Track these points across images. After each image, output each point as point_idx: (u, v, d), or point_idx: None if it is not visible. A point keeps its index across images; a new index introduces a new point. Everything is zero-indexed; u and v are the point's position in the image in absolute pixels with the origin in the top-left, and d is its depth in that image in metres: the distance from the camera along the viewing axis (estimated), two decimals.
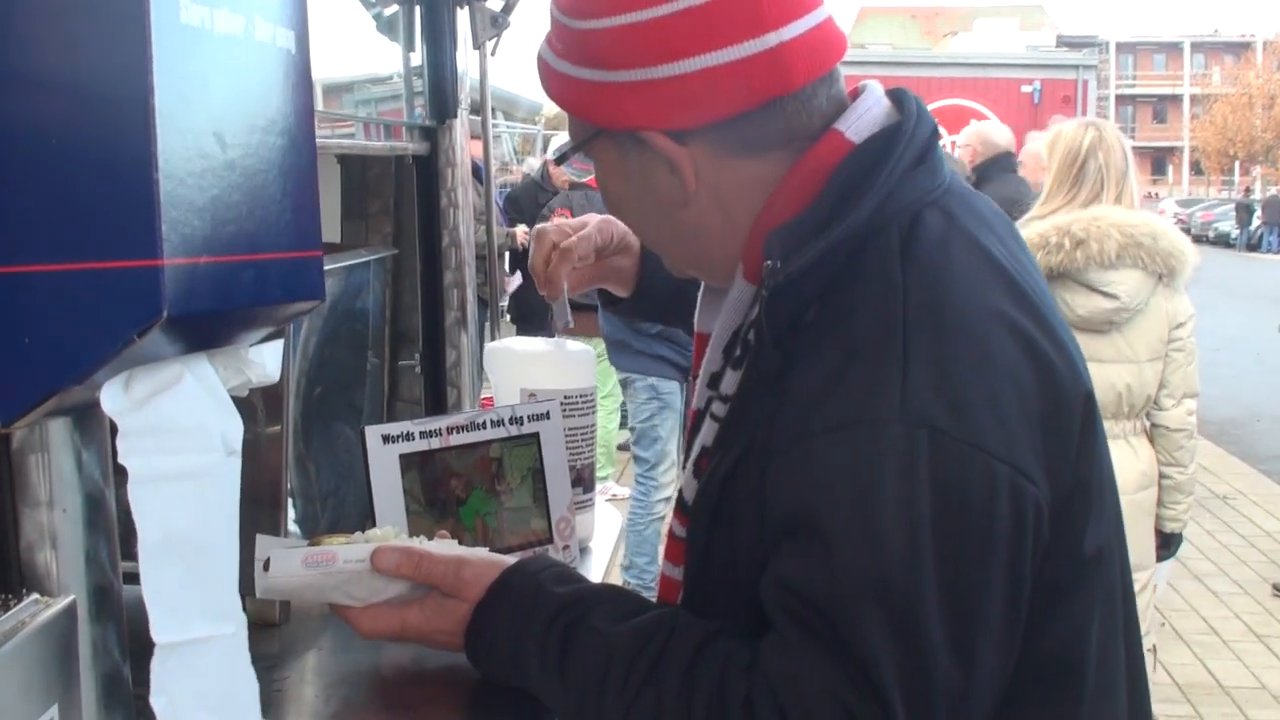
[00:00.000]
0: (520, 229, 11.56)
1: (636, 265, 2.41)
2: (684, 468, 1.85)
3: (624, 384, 8.07)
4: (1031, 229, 5.07)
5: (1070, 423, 1.65)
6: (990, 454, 1.53)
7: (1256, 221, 58.26)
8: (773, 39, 1.65)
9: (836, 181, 1.69)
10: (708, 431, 1.79)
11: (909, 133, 1.72)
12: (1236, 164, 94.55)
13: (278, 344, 1.58)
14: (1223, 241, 59.17)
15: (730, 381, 1.76)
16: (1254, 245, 57.25)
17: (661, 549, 1.86)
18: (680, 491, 1.83)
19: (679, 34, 1.65)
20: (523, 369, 2.64)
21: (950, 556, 1.51)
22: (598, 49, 1.70)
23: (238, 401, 1.50)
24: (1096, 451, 1.70)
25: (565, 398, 2.50)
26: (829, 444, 1.54)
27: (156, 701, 1.37)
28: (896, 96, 1.81)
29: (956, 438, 1.52)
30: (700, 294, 2.02)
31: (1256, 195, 68.87)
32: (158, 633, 1.36)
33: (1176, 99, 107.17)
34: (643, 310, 2.49)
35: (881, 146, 1.70)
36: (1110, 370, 5.10)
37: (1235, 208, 61.86)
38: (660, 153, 1.72)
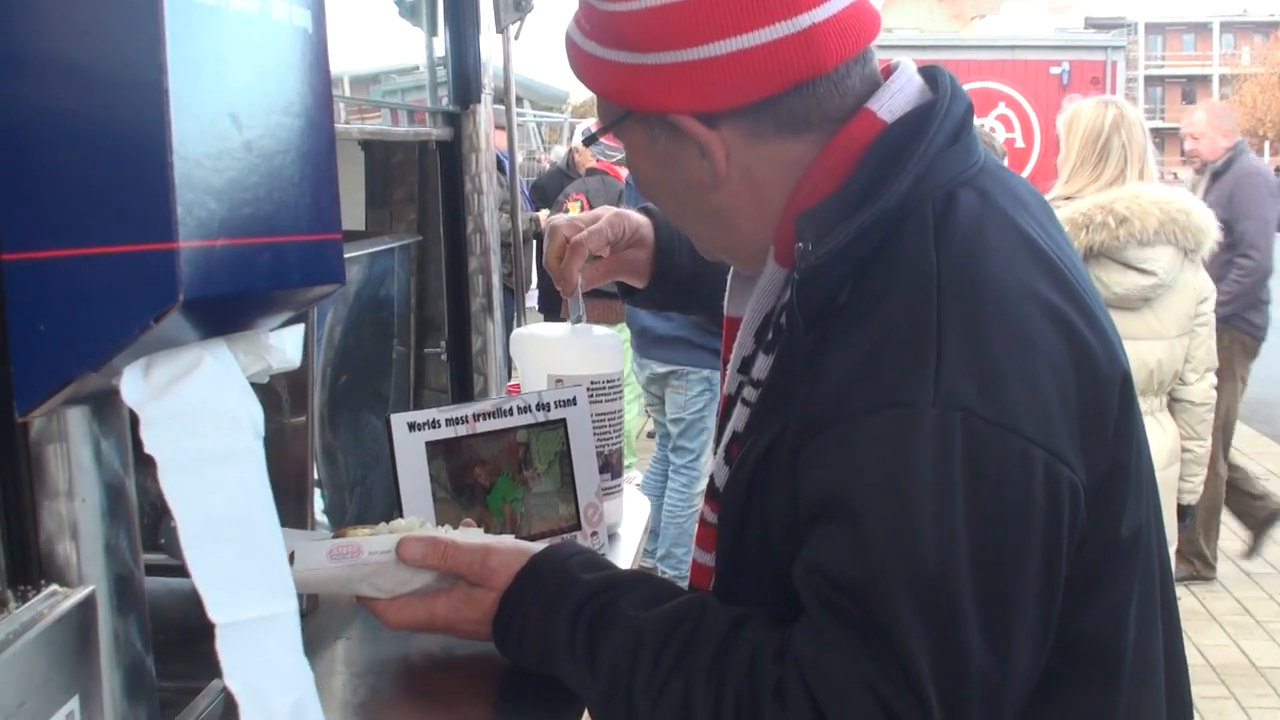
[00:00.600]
0: (544, 214, 11.57)
1: (651, 257, 2.41)
2: (715, 453, 1.84)
3: (672, 376, 8.02)
4: (1072, 208, 5.10)
5: (1107, 405, 1.62)
6: (1026, 438, 1.50)
7: None
8: (805, 20, 1.64)
9: (869, 161, 1.67)
10: (739, 417, 1.78)
11: (943, 110, 1.71)
12: (1266, 144, 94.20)
13: (299, 329, 1.56)
14: None
15: (762, 366, 1.75)
16: None
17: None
18: (712, 477, 1.82)
19: (710, 16, 1.63)
20: (549, 355, 2.62)
21: (985, 542, 1.49)
22: (628, 31, 1.68)
23: (263, 392, 1.49)
24: (1133, 433, 1.68)
25: (592, 383, 2.49)
26: (862, 428, 1.53)
27: (232, 683, 1.35)
28: (930, 74, 1.79)
29: (991, 421, 1.49)
30: (730, 278, 2.01)
31: None
32: (216, 613, 1.33)
33: (1206, 79, 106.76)
34: (658, 300, 2.49)
35: (915, 125, 1.69)
36: (1143, 347, 5.16)
37: None
38: (691, 136, 1.70)
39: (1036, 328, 1.58)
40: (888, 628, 1.48)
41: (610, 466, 2.55)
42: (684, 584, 1.90)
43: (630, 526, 2.72)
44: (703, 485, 7.86)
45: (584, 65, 1.78)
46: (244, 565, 1.38)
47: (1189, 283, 5.27)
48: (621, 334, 10.71)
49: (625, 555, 2.55)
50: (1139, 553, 1.69)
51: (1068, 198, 5.24)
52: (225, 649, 1.34)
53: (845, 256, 1.62)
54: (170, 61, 1.24)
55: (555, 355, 2.62)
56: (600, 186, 10.26)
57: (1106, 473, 1.61)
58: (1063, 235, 1.84)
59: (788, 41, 1.64)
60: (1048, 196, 5.18)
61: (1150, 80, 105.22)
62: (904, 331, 1.56)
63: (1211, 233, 5.23)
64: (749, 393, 1.77)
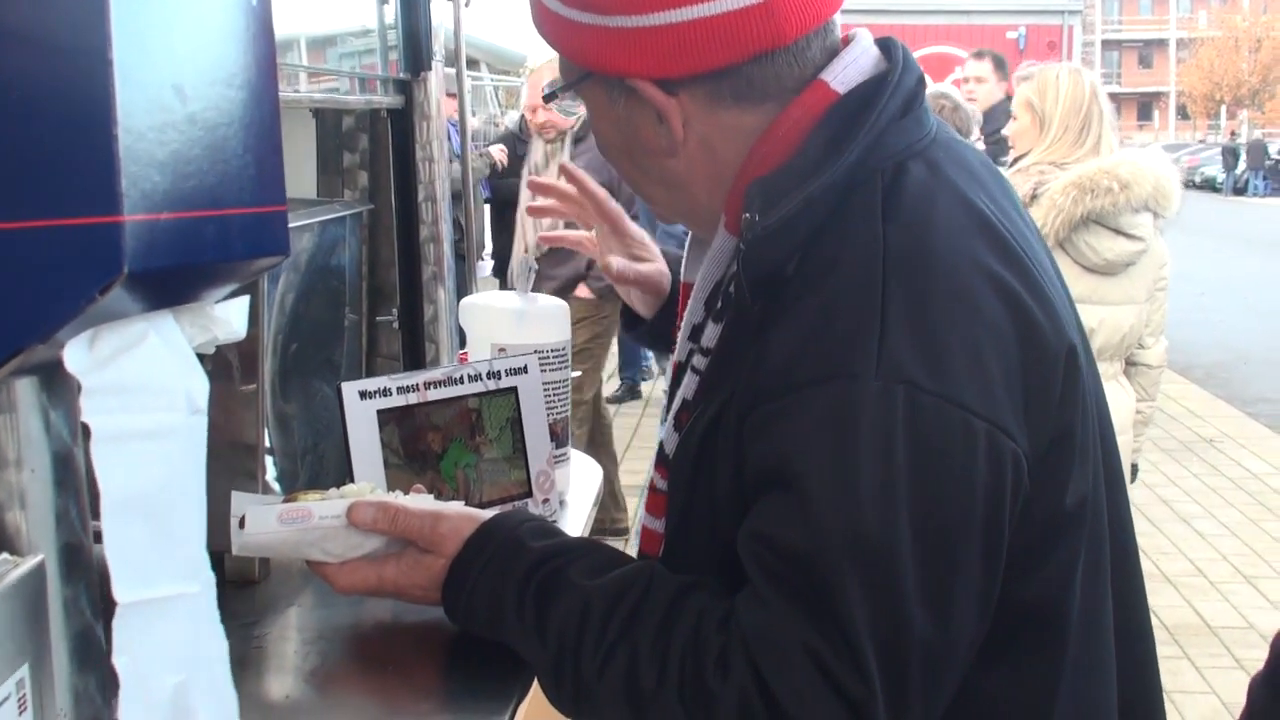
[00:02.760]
0: (497, 148, 11.55)
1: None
2: (664, 420, 1.85)
3: None
4: (1077, 171, 5.18)
5: (1052, 378, 1.63)
6: (968, 409, 1.52)
7: (1242, 165, 58.36)
8: (732, 4, 1.64)
9: (820, 133, 1.67)
10: (689, 384, 1.79)
11: (894, 82, 1.71)
12: (1223, 108, 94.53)
13: (244, 300, 1.57)
14: (1209, 186, 59.28)
15: (711, 334, 1.77)
16: (1240, 189, 57.34)
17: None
18: (661, 444, 1.83)
19: None
20: (495, 324, 2.63)
21: (927, 512, 1.51)
22: None
23: (214, 359, 1.50)
24: (1079, 404, 1.69)
25: (536, 351, 2.49)
26: (807, 398, 1.54)
27: (118, 661, 1.35)
28: (884, 45, 1.80)
29: (934, 393, 1.51)
30: (687, 245, 2.01)
31: (1242, 139, 68.89)
32: (120, 591, 1.35)
33: (1163, 44, 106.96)
34: (657, 333, 2.45)
35: (865, 96, 1.69)
36: (1119, 312, 5.29)
37: (1221, 152, 61.91)
38: (649, 101, 1.71)
39: (981, 300, 1.59)
40: (830, 596, 1.50)
41: (556, 435, 2.56)
42: None
43: (580, 495, 2.74)
44: None
45: (547, 22, 1.77)
46: (155, 544, 1.39)
47: (1156, 248, 5.37)
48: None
49: (575, 523, 2.57)
50: (1085, 520, 1.70)
51: (1054, 164, 5.31)
52: (119, 627, 1.36)
53: (792, 227, 1.62)
54: (115, 33, 1.25)
55: (501, 324, 2.63)
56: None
57: (1050, 443, 1.62)
58: (1015, 207, 1.85)
59: (749, 12, 1.64)
60: (1027, 162, 5.28)
61: (1107, 44, 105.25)
62: (849, 302, 1.56)
63: (1177, 199, 5.33)
64: (698, 360, 1.78)
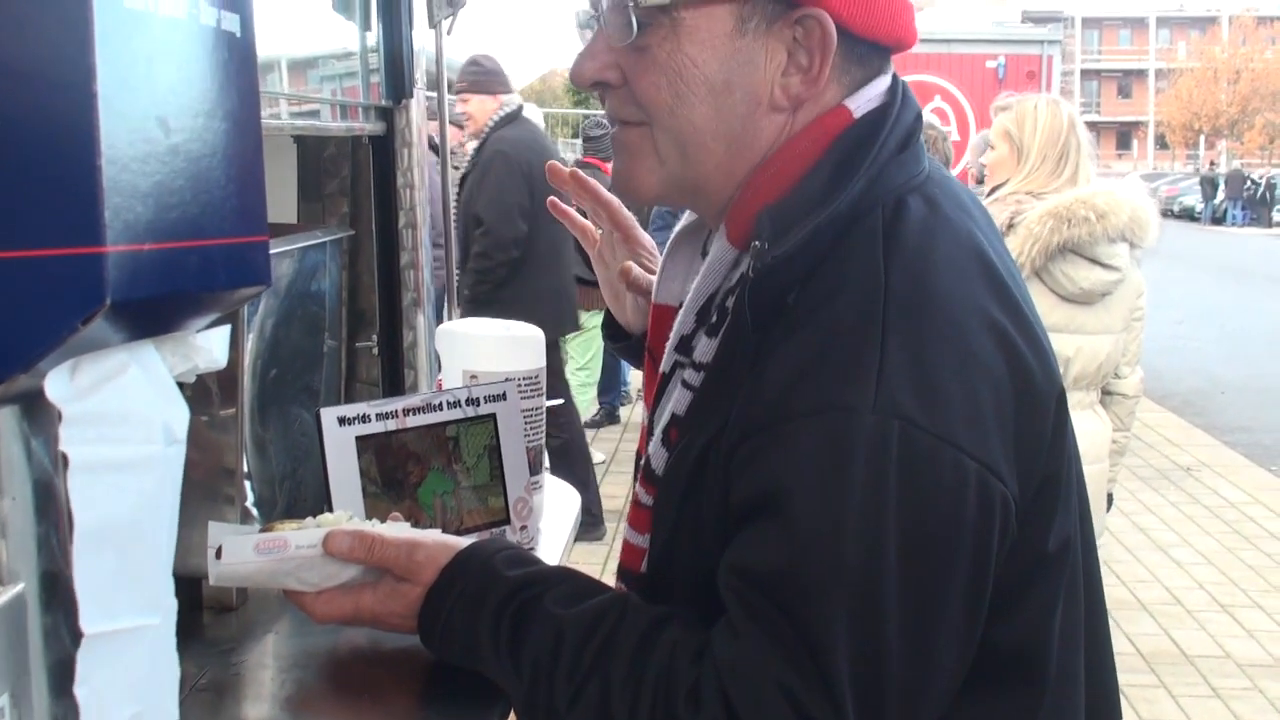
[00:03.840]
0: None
1: None
2: (650, 432, 1.85)
3: None
4: (1054, 201, 5.22)
5: (1043, 422, 1.64)
6: (961, 449, 1.52)
7: (1221, 195, 58.63)
8: None
9: (829, 158, 1.69)
10: (679, 399, 1.77)
11: (894, 116, 1.72)
12: (1201, 138, 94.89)
13: (225, 329, 1.57)
14: (1187, 215, 59.55)
15: (705, 349, 1.75)
16: (1218, 219, 57.58)
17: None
18: (648, 458, 1.81)
19: None
20: (470, 351, 2.64)
21: (913, 551, 1.50)
22: None
23: (195, 384, 1.50)
24: (1065, 447, 1.70)
25: (508, 379, 2.49)
26: (800, 428, 1.53)
27: (80, 692, 1.36)
28: (890, 77, 1.80)
29: (928, 430, 1.51)
30: (660, 266, 2.00)
31: (1221, 169, 69.19)
32: (86, 623, 1.35)
33: (1141, 74, 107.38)
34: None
35: (869, 128, 1.70)
36: (1096, 341, 5.31)
37: (1200, 181, 62.19)
38: (816, 41, 1.67)
39: (979, 342, 1.59)
40: (808, 632, 1.49)
41: (531, 463, 2.57)
42: None
43: (557, 521, 2.74)
44: None
45: None
46: (122, 575, 1.39)
47: (1133, 278, 5.40)
48: (594, 320, 10.83)
49: (551, 550, 2.57)
50: (1066, 563, 1.71)
51: (1031, 194, 5.34)
52: (83, 658, 1.36)
53: (798, 258, 1.62)
54: (100, 66, 1.26)
55: (475, 352, 2.64)
56: None
57: (1038, 488, 1.63)
58: (1003, 245, 1.86)
59: (905, 5, 1.71)
60: (1004, 191, 5.32)
61: (1086, 74, 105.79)
62: (849, 336, 1.56)
63: (1155, 230, 5.37)
64: (690, 375, 1.76)
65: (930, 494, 1.51)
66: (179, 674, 1.54)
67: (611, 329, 2.41)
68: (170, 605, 1.49)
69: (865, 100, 1.73)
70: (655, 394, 1.86)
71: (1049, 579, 1.68)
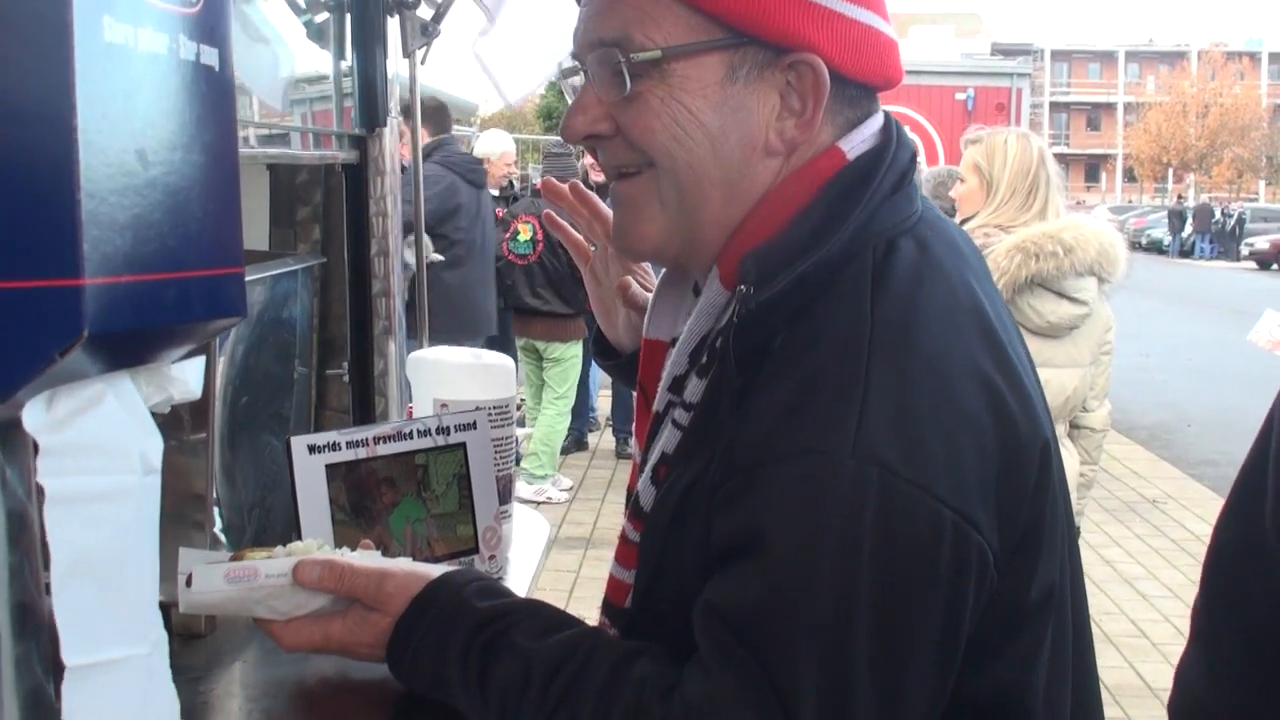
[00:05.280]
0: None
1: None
2: (641, 469, 1.84)
3: None
4: (1021, 235, 5.25)
5: (1026, 473, 1.63)
6: (938, 499, 1.51)
7: (1189, 229, 58.92)
8: (893, 33, 1.72)
9: (820, 202, 1.69)
10: (669, 438, 1.77)
11: (888, 158, 1.72)
12: (1170, 171, 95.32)
13: (200, 360, 1.58)
14: (1155, 248, 59.78)
15: (694, 389, 1.74)
16: (1186, 252, 57.87)
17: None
18: (636, 495, 1.81)
19: None
20: (440, 379, 2.65)
21: (885, 597, 1.50)
22: None
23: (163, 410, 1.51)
24: (1050, 497, 1.69)
25: (478, 408, 2.51)
26: (780, 471, 1.53)
27: None
28: (883, 116, 1.81)
29: (906, 479, 1.50)
30: (652, 301, 2.01)
31: (1190, 203, 69.55)
32: (68, 655, 1.36)
33: (1110, 107, 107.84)
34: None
35: (863, 171, 1.71)
36: (1063, 374, 5.34)
37: (1168, 215, 62.46)
38: (808, 86, 1.69)
39: (963, 391, 1.59)
40: (776, 674, 1.49)
41: (500, 491, 2.57)
42: None
43: (526, 550, 2.75)
44: None
45: None
46: (103, 607, 1.39)
47: (1102, 312, 5.44)
48: (572, 350, 10.82)
49: (519, 579, 2.57)
50: (1050, 611, 1.70)
51: (1000, 227, 5.37)
52: (68, 691, 1.36)
53: (783, 302, 1.62)
54: (80, 100, 1.27)
55: (447, 380, 2.64)
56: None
57: (1020, 538, 1.62)
58: (993, 286, 1.85)
59: (892, 44, 1.73)
60: (973, 224, 5.35)
61: (1056, 107, 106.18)
62: (831, 381, 1.56)
63: (1124, 264, 5.41)
64: (680, 415, 1.76)
65: (905, 542, 1.50)
66: (178, 705, 1.54)
67: (602, 346, 2.38)
68: (159, 636, 1.49)
69: (859, 141, 1.74)
70: (649, 432, 1.86)
71: (1031, 629, 1.67)
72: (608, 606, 1.87)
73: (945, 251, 1.73)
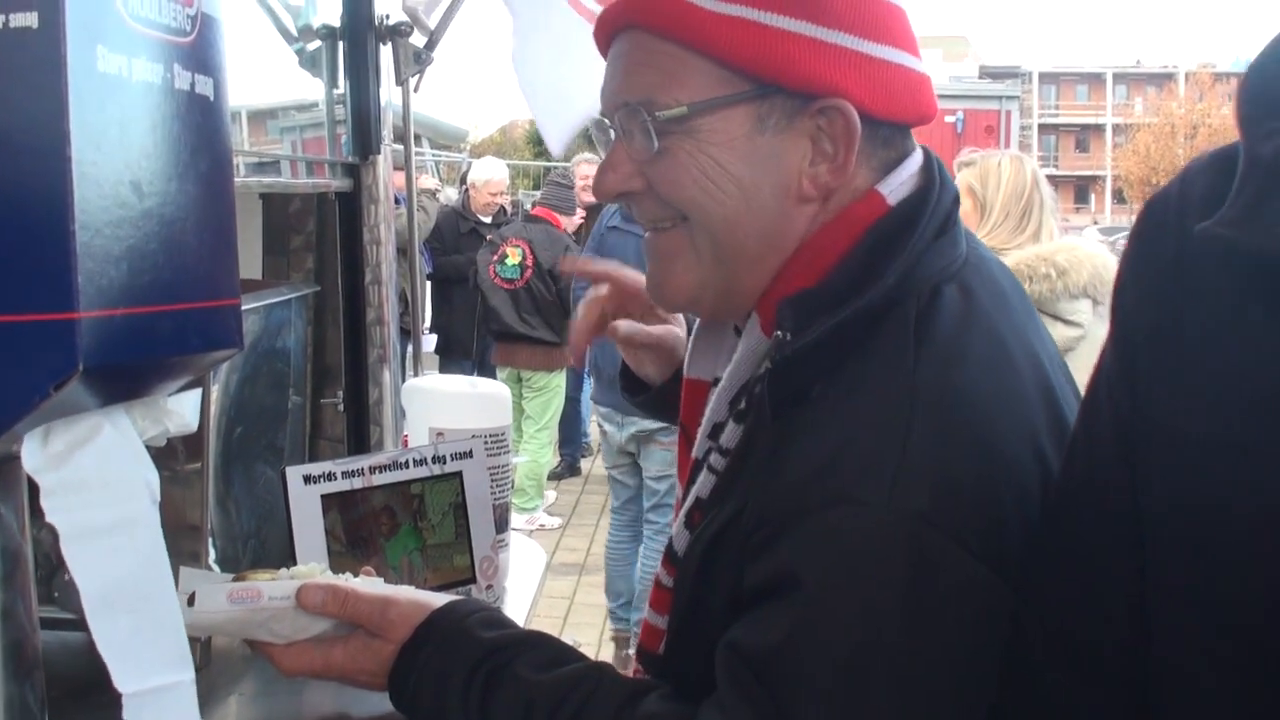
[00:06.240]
0: (433, 181, 11.62)
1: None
2: (677, 515, 1.82)
3: (660, 432, 7.92)
4: (1014, 258, 5.23)
5: None
6: (972, 553, 1.49)
7: None
8: (923, 69, 1.70)
9: (861, 248, 1.67)
10: (704, 483, 1.75)
11: (932, 203, 1.70)
12: None
13: (195, 392, 1.57)
14: None
15: (731, 434, 1.72)
16: None
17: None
18: (671, 541, 1.79)
19: (889, 21, 1.68)
20: (436, 408, 2.64)
21: (908, 648, 1.47)
22: (817, 1, 1.66)
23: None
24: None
25: (474, 436, 2.49)
26: (816, 519, 1.51)
27: None
28: (922, 155, 1.79)
29: (942, 531, 1.48)
30: (692, 340, 1.99)
31: None
32: (121, 684, 1.37)
33: (1099, 128, 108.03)
34: (659, 406, 2.35)
35: (907, 217, 1.68)
36: None
37: None
38: (839, 130, 1.67)
39: (1004, 444, 1.56)
40: (789, 713, 1.48)
41: (497, 520, 2.56)
42: None
43: (523, 580, 2.73)
44: None
45: (716, 29, 1.66)
46: (143, 635, 1.40)
47: (1096, 334, 5.41)
48: (555, 380, 10.80)
49: (517, 609, 2.56)
50: None
51: (993, 250, 5.38)
52: (130, 717, 1.36)
53: (823, 350, 1.60)
54: (73, 130, 1.26)
55: (442, 408, 2.63)
56: (545, 238, 10.19)
57: None
58: (1037, 323, 1.83)
59: (923, 80, 1.71)
60: None
61: (1044, 128, 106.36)
62: (872, 430, 1.54)
63: None
64: (715, 459, 1.74)
65: (934, 596, 1.49)
66: None
67: (628, 381, 2.37)
68: (191, 663, 1.50)
69: (898, 184, 1.72)
70: (688, 479, 1.83)
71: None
72: (642, 653, 1.86)
73: (989, 298, 1.70)
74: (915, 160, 1.76)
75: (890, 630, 1.47)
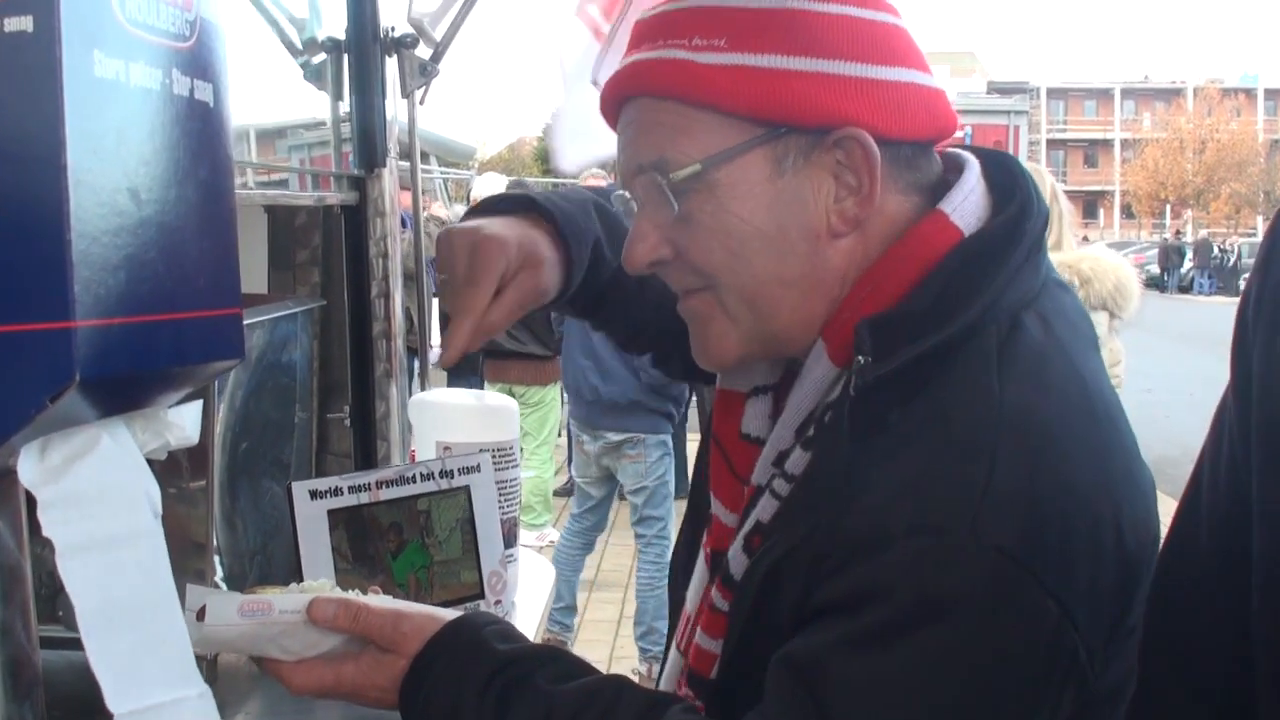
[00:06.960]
0: (444, 211, 11.62)
1: (560, 270, 2.05)
2: (735, 539, 1.78)
3: (627, 444, 7.93)
4: None
5: (1140, 574, 1.58)
6: (1046, 589, 1.47)
7: (1188, 264, 59.14)
8: (935, 82, 1.68)
9: (940, 276, 1.64)
10: (765, 507, 1.72)
11: (1027, 227, 1.68)
12: (1168, 207, 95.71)
13: (197, 404, 1.55)
14: (1154, 284, 59.91)
15: (797, 460, 1.70)
16: (1185, 287, 58.07)
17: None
18: (727, 563, 1.76)
19: (890, 41, 1.66)
20: (443, 422, 2.62)
21: (965, 675, 1.47)
22: (812, 35, 1.63)
23: (162, 458, 1.49)
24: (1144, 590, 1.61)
25: (482, 450, 2.47)
26: (895, 546, 1.49)
27: None
28: (1002, 171, 1.77)
29: (1019, 563, 1.46)
30: None
31: (1188, 238, 69.83)
32: (114, 703, 1.34)
33: (1107, 144, 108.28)
34: (584, 306, 2.18)
35: (995, 246, 1.66)
36: None
37: (1160, 250, 62.70)
38: (860, 159, 1.64)
39: (1082, 479, 1.54)
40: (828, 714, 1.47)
41: (505, 535, 2.53)
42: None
43: (531, 595, 2.71)
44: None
45: (717, 81, 1.65)
46: (143, 652, 1.38)
47: (1111, 346, 5.38)
48: (549, 394, 10.78)
49: (526, 624, 2.54)
50: (1126, 691, 1.65)
51: None
52: None
53: (905, 378, 1.58)
54: (69, 137, 1.24)
55: (450, 422, 2.62)
56: None
57: (1110, 631, 1.57)
58: (1099, 349, 1.82)
59: (936, 94, 1.68)
60: None
61: (1052, 144, 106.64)
62: (957, 458, 1.52)
63: (1137, 300, 5.34)
64: (779, 484, 1.72)
65: (1002, 629, 1.47)
66: None
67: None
68: (199, 678, 1.48)
69: (961, 200, 1.69)
70: (746, 504, 1.79)
71: (1106, 709, 1.60)
72: (692, 678, 1.83)
73: (1064, 328, 1.69)
74: (973, 173, 1.74)
75: (951, 656, 1.46)
